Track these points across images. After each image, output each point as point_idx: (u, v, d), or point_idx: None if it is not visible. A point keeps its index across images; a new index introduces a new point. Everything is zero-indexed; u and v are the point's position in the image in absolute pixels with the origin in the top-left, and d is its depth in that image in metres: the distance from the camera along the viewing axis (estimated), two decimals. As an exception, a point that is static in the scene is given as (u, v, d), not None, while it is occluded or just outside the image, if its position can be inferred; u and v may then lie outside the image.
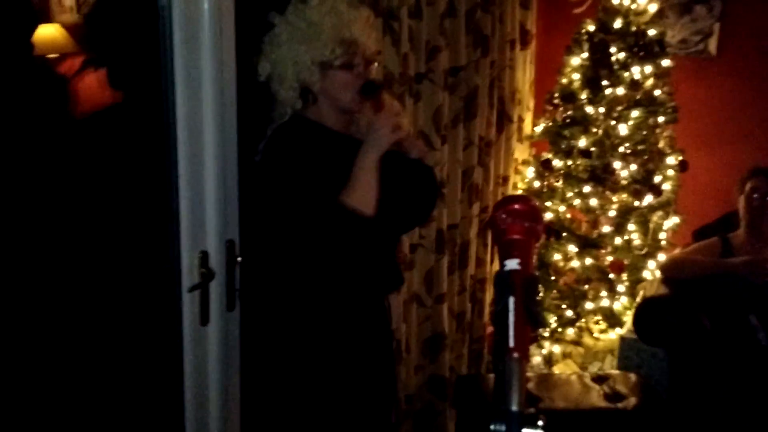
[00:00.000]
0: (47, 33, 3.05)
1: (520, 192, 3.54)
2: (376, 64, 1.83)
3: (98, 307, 1.98)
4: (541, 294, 3.43)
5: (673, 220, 3.46)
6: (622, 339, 3.21)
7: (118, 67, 2.17)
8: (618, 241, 3.35)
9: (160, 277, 1.94)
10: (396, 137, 1.69)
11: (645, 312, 2.96)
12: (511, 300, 0.75)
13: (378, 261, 1.88)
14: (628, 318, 3.37)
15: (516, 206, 0.84)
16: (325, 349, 1.88)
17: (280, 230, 1.82)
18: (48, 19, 3.15)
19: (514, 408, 0.67)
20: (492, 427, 0.66)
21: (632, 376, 2.92)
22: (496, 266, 3.49)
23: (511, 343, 0.73)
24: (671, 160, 3.39)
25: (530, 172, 3.52)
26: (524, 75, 3.37)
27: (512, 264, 0.79)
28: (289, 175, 1.72)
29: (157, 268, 1.95)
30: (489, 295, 3.37)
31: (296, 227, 1.75)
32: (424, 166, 1.86)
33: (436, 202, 1.98)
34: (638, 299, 3.37)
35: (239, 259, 1.96)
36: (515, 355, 0.72)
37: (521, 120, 3.44)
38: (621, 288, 3.40)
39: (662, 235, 3.45)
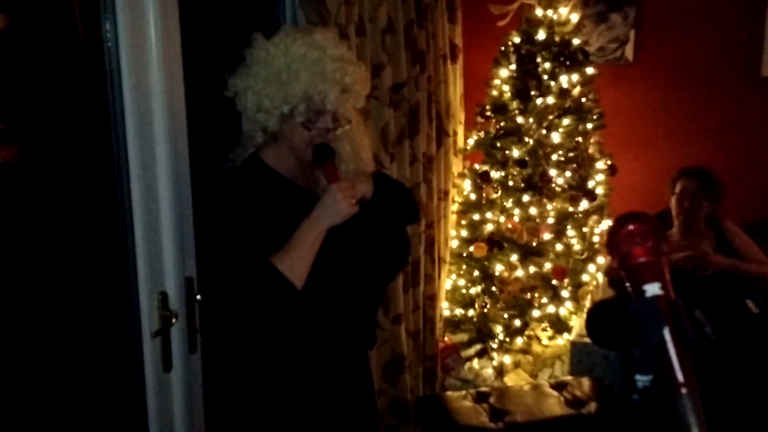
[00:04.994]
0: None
1: (457, 205, 3.54)
2: (347, 127, 1.65)
3: (53, 360, 1.78)
4: (488, 306, 3.43)
5: (608, 223, 3.55)
6: (573, 344, 3.24)
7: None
8: (558, 247, 3.39)
9: (118, 324, 1.78)
10: (353, 212, 1.58)
11: (596, 315, 3.00)
12: (667, 331, 0.70)
13: (348, 319, 1.77)
14: (574, 323, 3.41)
15: (630, 227, 0.78)
16: (293, 396, 1.77)
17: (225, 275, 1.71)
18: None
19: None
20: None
21: (588, 381, 2.95)
22: (443, 281, 3.47)
23: (680, 378, 0.67)
24: (601, 164, 3.48)
25: (467, 184, 3.52)
26: (455, 89, 3.38)
27: (654, 289, 0.73)
28: (231, 226, 1.61)
29: (114, 313, 1.79)
30: (438, 311, 3.33)
31: (229, 279, 1.65)
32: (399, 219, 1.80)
33: (407, 259, 1.91)
34: (584, 303, 3.43)
35: (198, 297, 1.84)
36: (686, 390, 0.67)
37: (455, 134, 3.44)
38: (565, 293, 3.43)
39: (597, 239, 3.53)
